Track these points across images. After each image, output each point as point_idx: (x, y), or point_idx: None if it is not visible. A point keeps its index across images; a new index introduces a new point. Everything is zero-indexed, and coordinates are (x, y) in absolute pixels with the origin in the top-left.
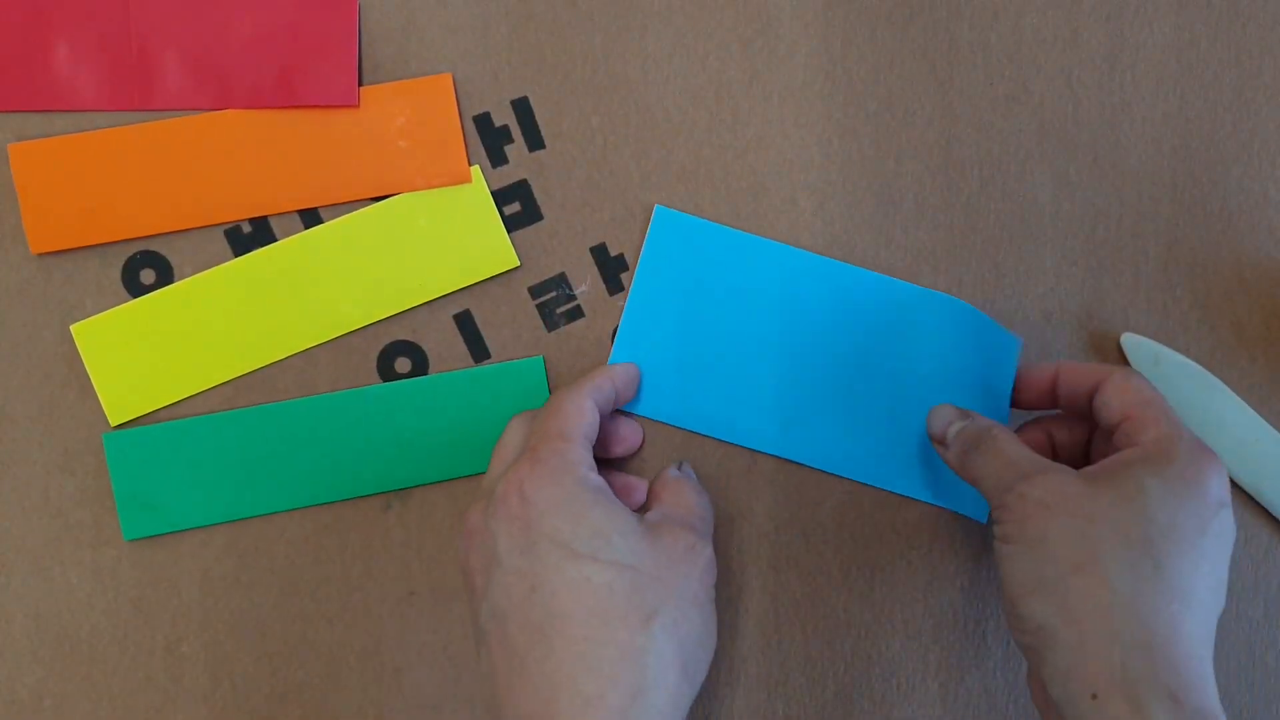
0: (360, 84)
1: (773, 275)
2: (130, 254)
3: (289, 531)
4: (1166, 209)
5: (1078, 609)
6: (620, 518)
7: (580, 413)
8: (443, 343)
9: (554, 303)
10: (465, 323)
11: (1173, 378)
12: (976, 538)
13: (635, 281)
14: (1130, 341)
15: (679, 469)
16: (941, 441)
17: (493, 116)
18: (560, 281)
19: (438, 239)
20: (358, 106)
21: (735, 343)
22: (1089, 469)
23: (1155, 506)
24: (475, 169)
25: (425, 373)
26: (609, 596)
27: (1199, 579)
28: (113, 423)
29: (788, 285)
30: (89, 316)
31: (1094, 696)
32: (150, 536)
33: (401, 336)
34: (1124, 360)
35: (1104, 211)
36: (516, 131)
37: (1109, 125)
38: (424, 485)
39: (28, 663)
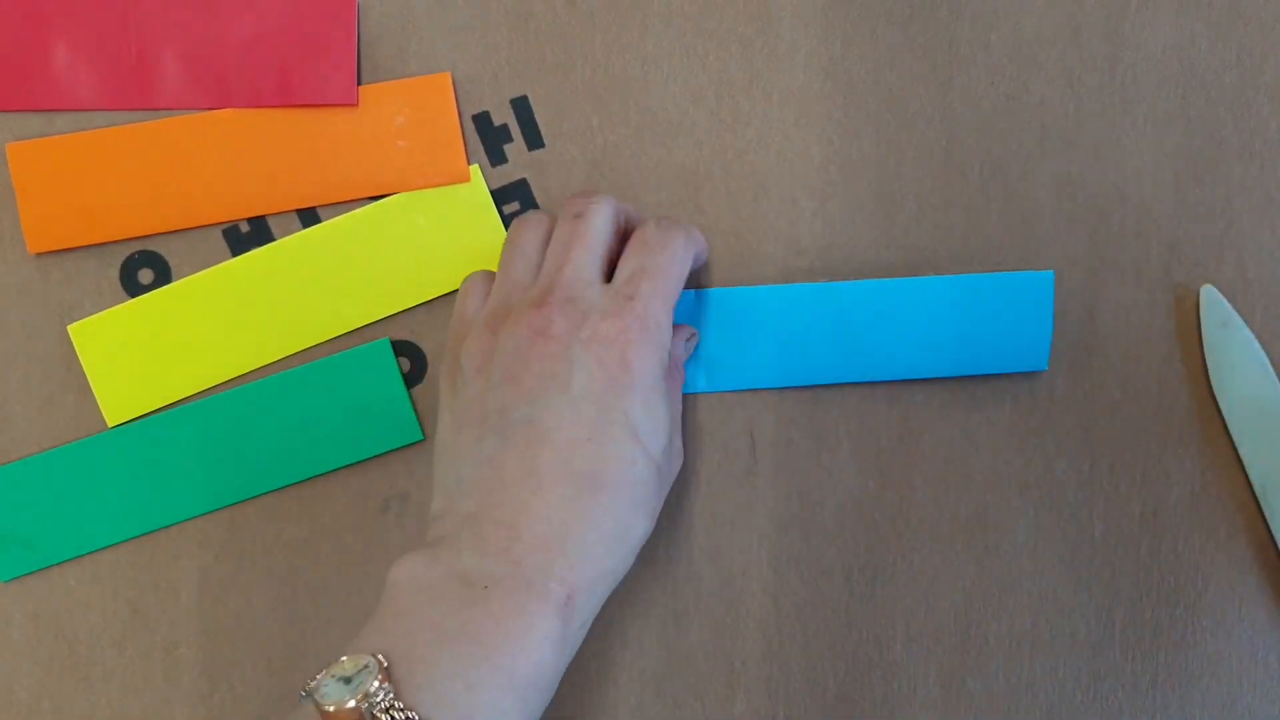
0: (359, 83)
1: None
2: (128, 254)
3: (287, 534)
4: (1168, 209)
5: None
6: (669, 417)
7: (681, 285)
8: (442, 343)
9: None
10: None
11: (1230, 344)
12: (979, 540)
13: None
14: (1209, 295)
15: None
16: None
17: (492, 116)
18: None
19: (437, 238)
20: (356, 106)
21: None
22: None
23: None
24: (474, 168)
25: (425, 373)
26: (640, 485)
27: None
28: (110, 423)
29: (791, 320)
30: (87, 316)
31: None
32: (29, 573)
33: (400, 336)
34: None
35: (1105, 211)
36: (516, 131)
37: (1110, 125)
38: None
39: (26, 664)
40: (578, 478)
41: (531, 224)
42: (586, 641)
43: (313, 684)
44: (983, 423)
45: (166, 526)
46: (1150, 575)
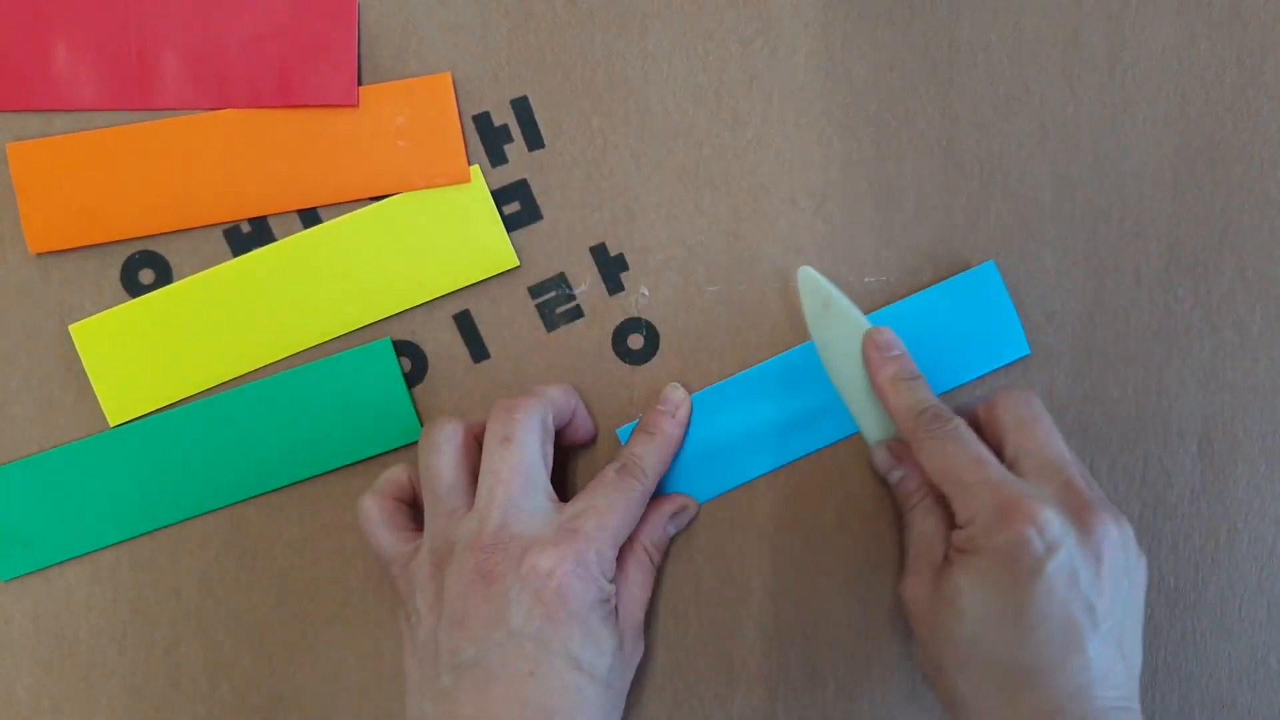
0: (359, 84)
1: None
2: (129, 254)
3: (287, 533)
4: (1167, 209)
5: (947, 702)
6: (614, 637)
7: (633, 523)
8: (442, 343)
9: (554, 303)
10: (464, 323)
11: (835, 323)
12: None
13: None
14: (806, 275)
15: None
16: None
17: (492, 116)
18: (560, 281)
19: (437, 239)
20: (357, 106)
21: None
22: (948, 556)
23: (969, 605)
24: (475, 168)
25: (425, 373)
26: (589, 708)
27: (1036, 650)
28: (111, 423)
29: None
30: (88, 316)
31: None
32: (30, 573)
33: (401, 336)
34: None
35: (1105, 211)
36: (516, 131)
37: (1110, 125)
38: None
39: (27, 664)
40: (526, 710)
41: (442, 444)
42: None
43: None
44: None
45: (167, 526)
46: (1150, 575)
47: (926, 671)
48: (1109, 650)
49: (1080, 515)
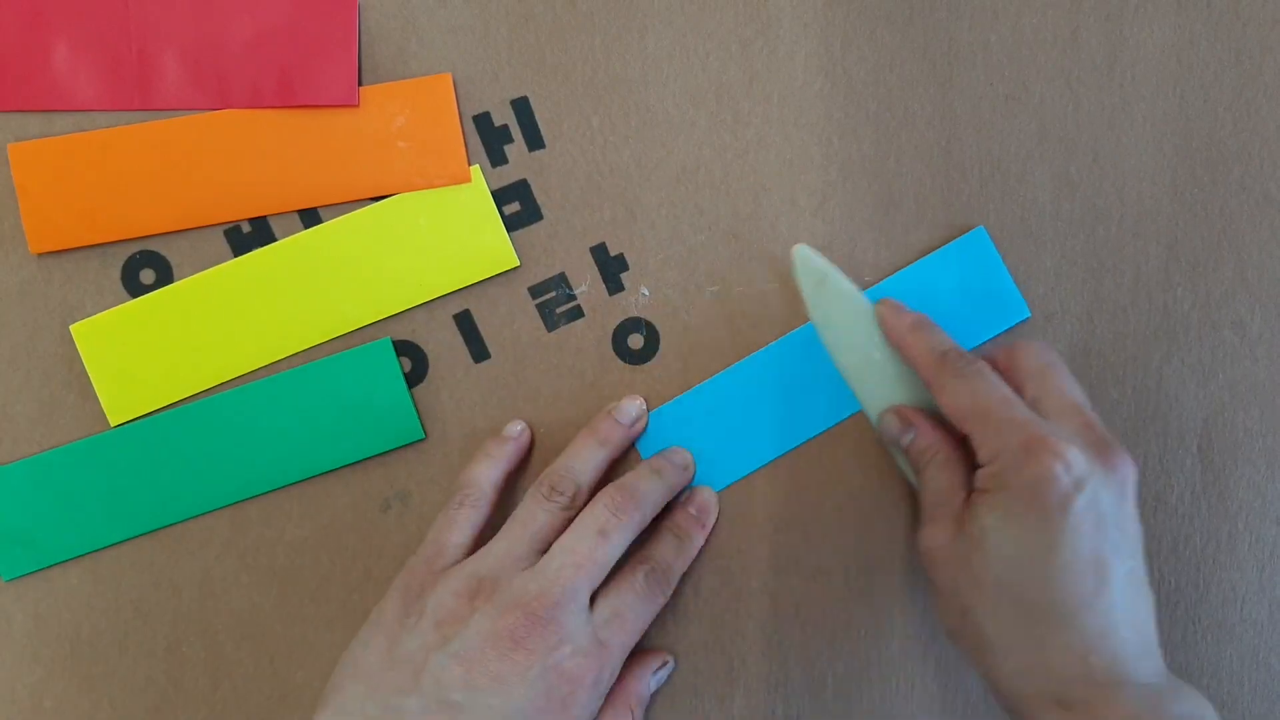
0: (360, 84)
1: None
2: (130, 254)
3: (288, 533)
4: (1167, 209)
5: (973, 649)
6: None
7: (645, 627)
8: (442, 343)
9: (554, 303)
10: (465, 323)
11: (833, 300)
12: None
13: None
14: (802, 254)
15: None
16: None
17: (492, 116)
18: (560, 281)
19: (437, 239)
20: (357, 106)
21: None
22: (971, 499)
23: (997, 544)
24: (475, 169)
25: (426, 373)
26: None
27: (1066, 587)
28: (112, 423)
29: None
30: (89, 316)
31: None
32: (31, 573)
33: (401, 336)
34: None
35: (1104, 211)
36: (516, 131)
37: (1109, 125)
38: (304, 481)
39: (28, 663)
40: None
41: (552, 506)
42: None
43: None
44: None
45: (168, 525)
46: (1151, 575)
47: (950, 622)
48: (1132, 588)
49: (1102, 453)
